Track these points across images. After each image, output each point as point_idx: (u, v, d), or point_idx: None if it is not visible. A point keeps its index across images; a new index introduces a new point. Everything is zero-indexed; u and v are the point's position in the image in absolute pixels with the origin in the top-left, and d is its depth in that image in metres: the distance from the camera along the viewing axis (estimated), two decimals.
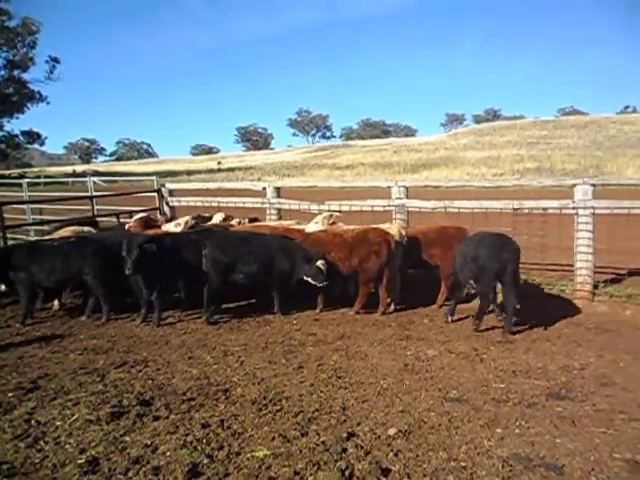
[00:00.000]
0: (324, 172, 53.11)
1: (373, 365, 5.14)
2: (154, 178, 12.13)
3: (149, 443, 3.57)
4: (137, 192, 12.48)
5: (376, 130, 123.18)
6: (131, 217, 9.85)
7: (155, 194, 11.40)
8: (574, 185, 7.53)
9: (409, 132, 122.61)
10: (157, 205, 11.30)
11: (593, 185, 7.39)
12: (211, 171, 61.81)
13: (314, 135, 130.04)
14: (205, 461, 3.33)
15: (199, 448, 3.49)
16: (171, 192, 11.40)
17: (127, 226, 9.28)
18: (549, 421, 3.86)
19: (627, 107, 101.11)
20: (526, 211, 7.85)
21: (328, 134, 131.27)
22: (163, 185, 11.52)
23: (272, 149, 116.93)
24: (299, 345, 5.83)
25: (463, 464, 3.27)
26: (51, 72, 57.45)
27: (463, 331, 6.31)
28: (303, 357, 5.43)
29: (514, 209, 7.90)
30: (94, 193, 12.90)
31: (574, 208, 7.45)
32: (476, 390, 4.49)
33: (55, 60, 57.86)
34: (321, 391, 4.49)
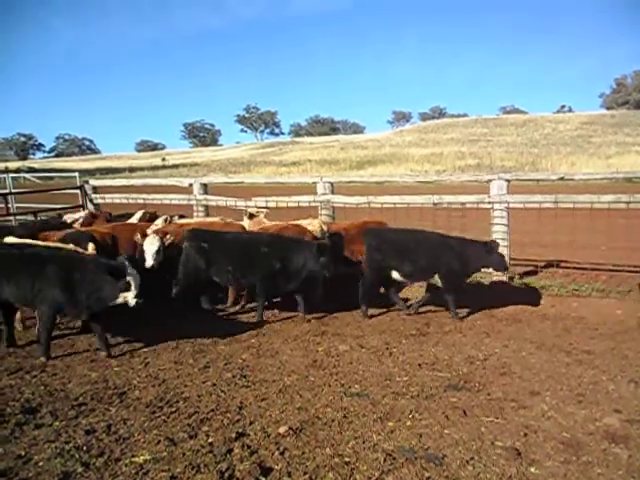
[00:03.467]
0: (270, 169, 52.85)
1: (281, 362, 5.07)
2: (76, 174, 11.58)
3: (23, 454, 3.36)
4: (57, 189, 11.93)
5: (324, 127, 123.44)
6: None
7: (78, 191, 10.95)
8: (490, 180, 7.74)
9: (357, 129, 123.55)
10: (80, 202, 10.84)
11: (507, 180, 7.61)
12: (155, 168, 60.29)
13: (262, 132, 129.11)
14: (79, 469, 3.16)
15: (77, 456, 3.32)
16: (95, 189, 10.96)
17: None
18: (441, 412, 3.90)
19: (563, 106, 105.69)
20: (445, 205, 8.02)
21: (277, 131, 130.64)
22: (86, 181, 11.05)
23: (220, 145, 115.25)
24: (211, 344, 5.69)
25: (347, 459, 3.24)
26: None
27: (379, 326, 6.34)
28: (212, 356, 5.30)
29: (434, 204, 8.04)
30: (12, 190, 12.18)
31: (490, 202, 7.65)
32: (378, 384, 4.50)
33: None
34: (222, 390, 4.39)
